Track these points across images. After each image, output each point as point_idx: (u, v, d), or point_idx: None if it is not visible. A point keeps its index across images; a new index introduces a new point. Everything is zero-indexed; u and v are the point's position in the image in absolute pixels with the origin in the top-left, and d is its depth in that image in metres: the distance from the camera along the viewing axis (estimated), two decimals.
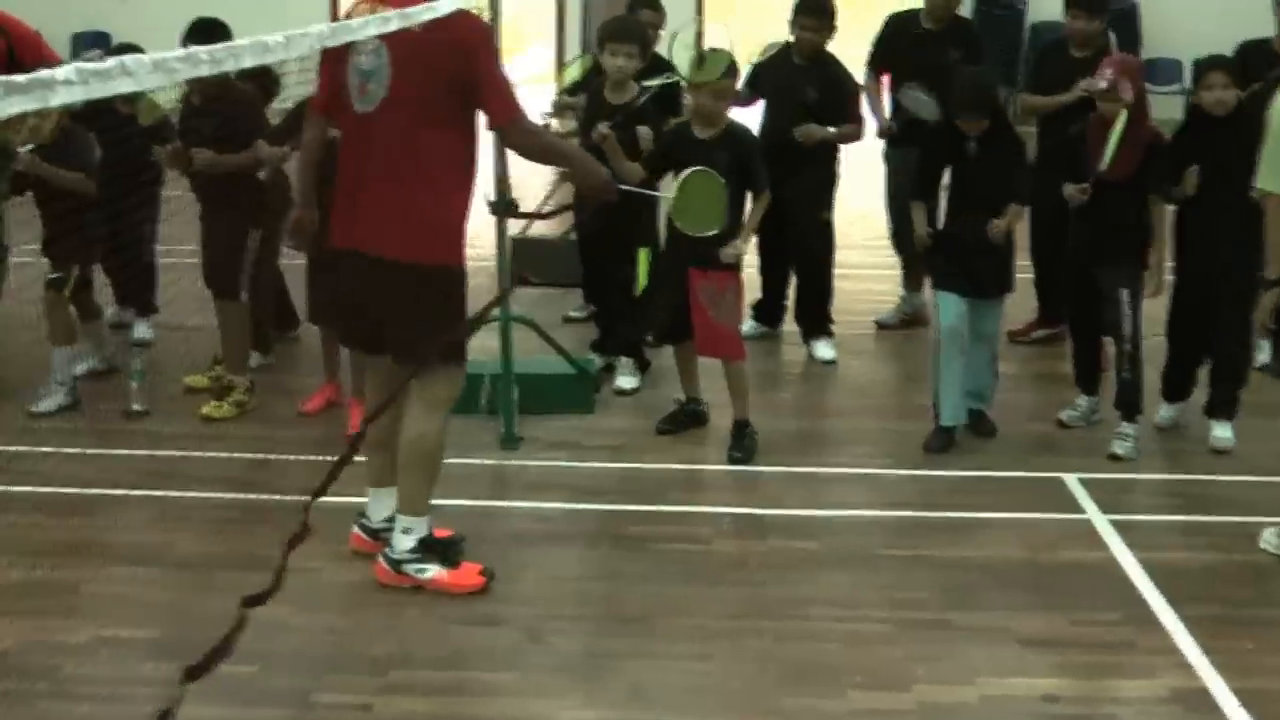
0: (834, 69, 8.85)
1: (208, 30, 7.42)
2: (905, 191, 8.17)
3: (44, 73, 2.38)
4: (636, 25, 8.38)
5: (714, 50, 7.28)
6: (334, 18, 21.87)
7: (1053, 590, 5.75)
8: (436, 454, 5.67)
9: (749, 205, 7.25)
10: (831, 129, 8.71)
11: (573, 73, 9.00)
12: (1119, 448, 7.17)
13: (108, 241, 8.29)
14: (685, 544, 6.14)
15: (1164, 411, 7.63)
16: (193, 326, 8.74)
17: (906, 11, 9.48)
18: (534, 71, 21.40)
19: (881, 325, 9.53)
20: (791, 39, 8.82)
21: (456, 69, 5.36)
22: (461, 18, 5.47)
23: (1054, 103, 8.39)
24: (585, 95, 8.36)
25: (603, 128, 7.38)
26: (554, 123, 9.36)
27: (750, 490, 6.80)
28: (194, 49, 2.99)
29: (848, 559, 6.01)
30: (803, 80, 8.71)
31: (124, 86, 2.63)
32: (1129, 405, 7.24)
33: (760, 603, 5.59)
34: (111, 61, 2.63)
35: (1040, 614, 5.52)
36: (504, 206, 7.16)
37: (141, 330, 9.00)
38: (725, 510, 6.51)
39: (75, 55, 16.20)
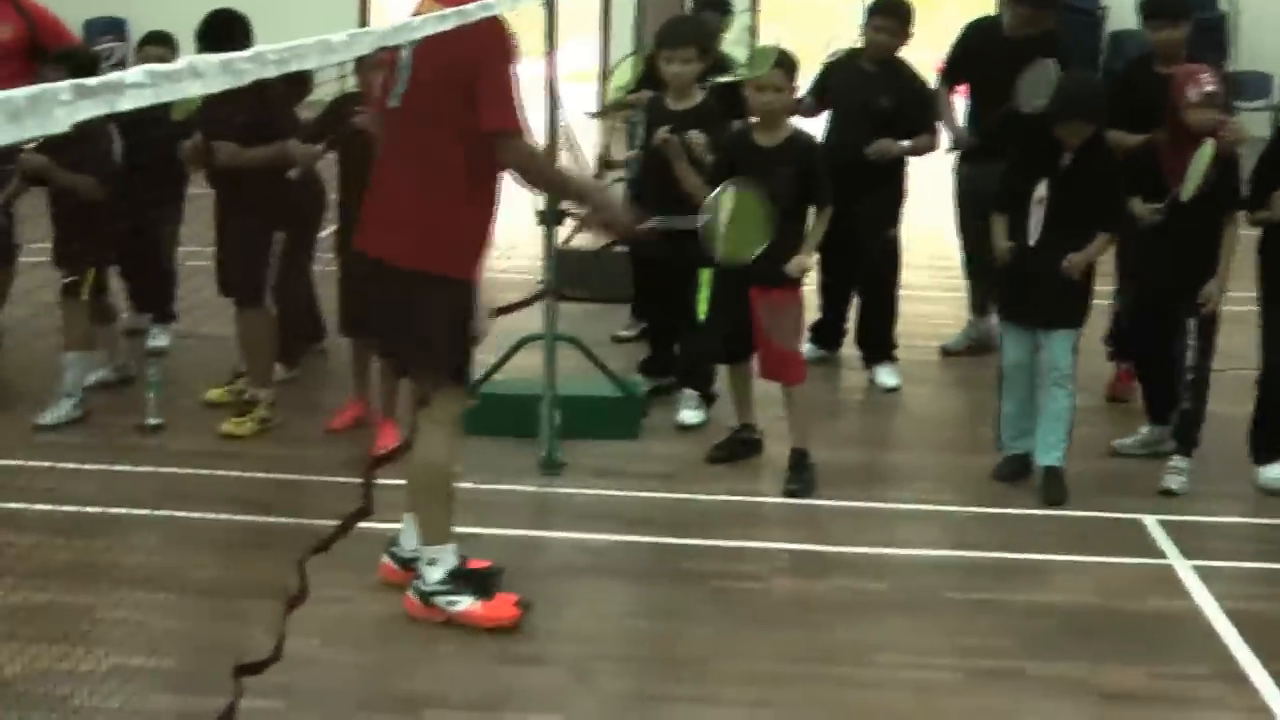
0: (908, 73, 8.84)
1: (225, 26, 7.50)
2: (979, 210, 8.16)
3: (114, 76, 2.42)
4: (689, 26, 8.39)
5: (762, 46, 7.32)
6: (362, 7, 22.09)
7: (1133, 640, 5.72)
8: (445, 478, 5.68)
9: (811, 219, 7.27)
10: (906, 142, 8.71)
11: (622, 77, 9.01)
12: (1173, 482, 7.16)
13: (125, 243, 8.33)
14: (741, 581, 6.13)
15: (1271, 471, 7.34)
16: (213, 335, 8.75)
17: (987, 19, 9.44)
18: (576, 68, 21.42)
19: (947, 351, 9.50)
20: (862, 43, 8.81)
21: (465, 69, 5.39)
22: (484, 19, 5.44)
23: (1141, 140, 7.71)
24: (645, 107, 8.35)
25: (663, 132, 7.40)
26: (597, 123, 9.40)
27: (809, 525, 6.80)
28: (261, 49, 3.03)
29: (914, 602, 6.01)
30: (875, 87, 8.67)
31: (193, 89, 2.67)
32: (1188, 439, 7.25)
33: (822, 647, 5.58)
34: (181, 62, 2.67)
35: (1120, 666, 5.50)
36: (554, 216, 7.19)
37: (158, 338, 9.04)
38: (783, 546, 6.52)
39: (88, 42, 16.34)
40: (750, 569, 6.28)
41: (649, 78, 8.55)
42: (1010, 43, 8.84)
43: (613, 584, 6.15)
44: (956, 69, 9.28)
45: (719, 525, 6.74)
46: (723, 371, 7.73)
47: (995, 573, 6.34)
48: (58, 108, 2.24)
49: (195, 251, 9.12)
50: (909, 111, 8.71)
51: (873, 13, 8.80)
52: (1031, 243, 7.12)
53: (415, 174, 5.49)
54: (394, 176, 5.57)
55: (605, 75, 22.17)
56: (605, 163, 9.35)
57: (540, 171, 5.84)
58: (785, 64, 7.20)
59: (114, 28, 18.38)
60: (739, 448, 7.50)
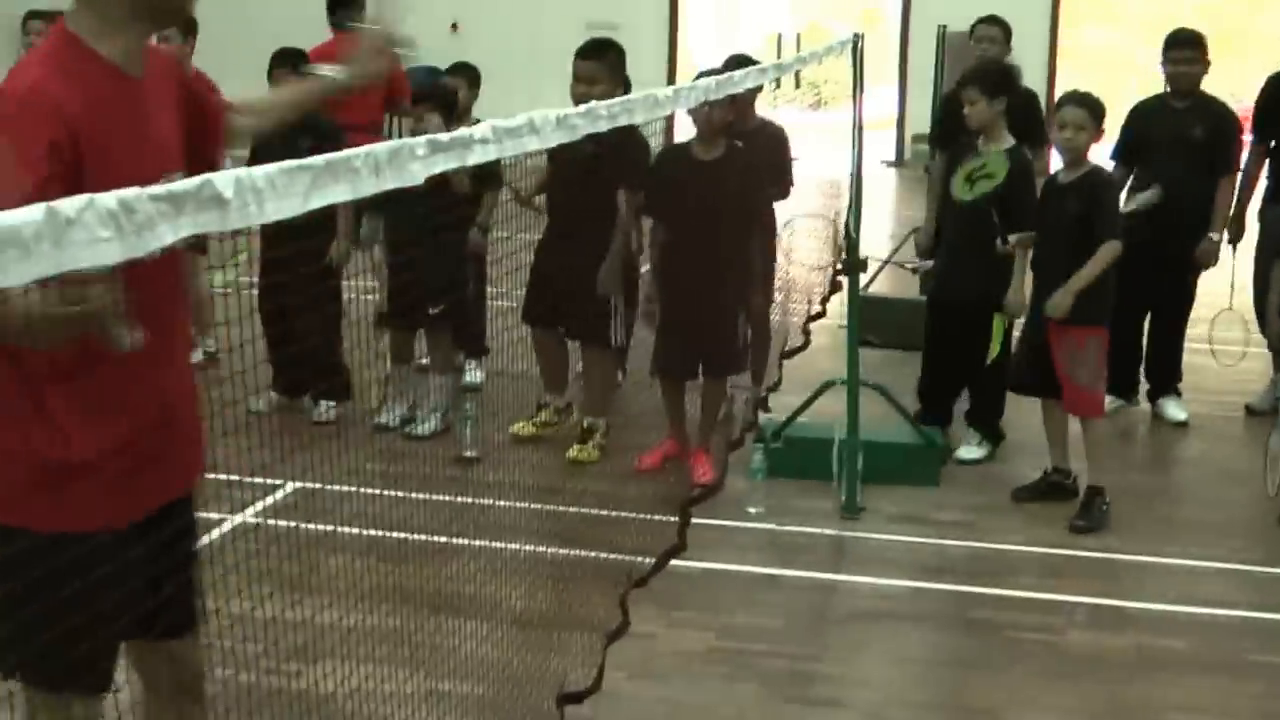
0: (1217, 105, 8.82)
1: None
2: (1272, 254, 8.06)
3: (463, 132, 2.56)
4: (978, 65, 8.42)
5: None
6: (672, 50, 22.41)
7: None
8: None
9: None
10: (1215, 235, 8.75)
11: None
12: None
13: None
14: (1038, 633, 6.06)
15: None
16: (519, 372, 8.94)
17: None
18: (874, 116, 21.44)
19: (1251, 410, 9.27)
20: (1164, 82, 8.79)
21: None
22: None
23: None
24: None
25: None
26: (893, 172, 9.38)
27: (1109, 578, 6.68)
28: (594, 104, 3.11)
29: (1216, 662, 5.86)
30: (1188, 120, 8.66)
31: (531, 144, 2.79)
32: None
33: (1119, 704, 5.48)
34: (520, 119, 2.78)
35: None
36: (855, 263, 7.24)
37: (473, 374, 9.28)
38: (1083, 599, 6.42)
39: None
40: (1046, 620, 6.20)
41: (948, 124, 8.60)
42: None
43: (908, 630, 6.12)
44: (1266, 120, 9.09)
45: (1015, 575, 6.67)
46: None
47: None
48: (413, 162, 2.38)
49: (503, 292, 9.36)
50: (1221, 142, 8.67)
51: (1170, 46, 8.77)
52: None
53: None
54: None
55: (902, 123, 22.28)
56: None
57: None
58: (1090, 105, 7.20)
59: (431, 74, 18.87)
60: (1046, 490, 7.44)
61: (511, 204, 8.32)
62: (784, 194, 8.72)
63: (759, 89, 8.35)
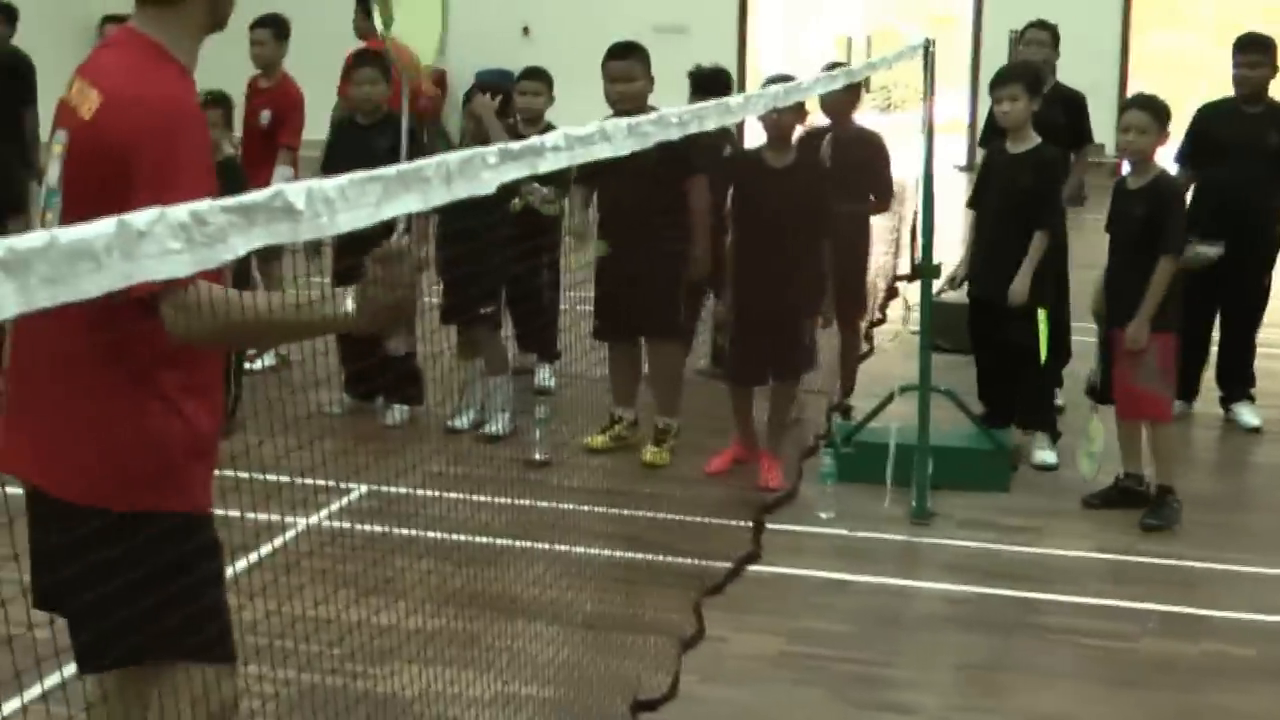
0: None
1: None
2: None
3: (535, 140, 2.54)
4: (1015, 64, 8.45)
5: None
6: (741, 54, 22.37)
7: None
8: None
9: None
10: None
11: None
12: None
13: (512, 286, 8.61)
14: (1108, 640, 5.99)
15: None
16: (594, 376, 8.95)
17: None
18: (945, 119, 21.35)
19: None
20: (1233, 85, 8.74)
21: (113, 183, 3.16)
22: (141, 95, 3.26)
23: None
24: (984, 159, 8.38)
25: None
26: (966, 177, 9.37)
27: (1181, 585, 6.59)
28: (664, 111, 3.12)
29: None
30: (1262, 126, 8.61)
31: (603, 151, 2.78)
32: None
33: (1187, 713, 5.41)
34: (592, 126, 2.77)
35: None
36: (928, 268, 7.21)
37: (544, 377, 9.28)
38: (1153, 607, 6.34)
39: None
40: (1116, 627, 6.13)
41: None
42: None
43: (977, 636, 6.06)
44: None
45: (1086, 581, 6.60)
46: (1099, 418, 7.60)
47: None
48: (485, 170, 2.37)
49: (582, 298, 9.36)
50: None
51: (1240, 50, 8.72)
52: None
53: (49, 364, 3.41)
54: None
55: (973, 127, 22.14)
56: None
57: (221, 328, 3.13)
58: (1153, 108, 7.19)
59: (503, 79, 18.92)
60: (1120, 497, 7.36)
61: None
62: (885, 207, 8.70)
63: (858, 94, 8.38)
